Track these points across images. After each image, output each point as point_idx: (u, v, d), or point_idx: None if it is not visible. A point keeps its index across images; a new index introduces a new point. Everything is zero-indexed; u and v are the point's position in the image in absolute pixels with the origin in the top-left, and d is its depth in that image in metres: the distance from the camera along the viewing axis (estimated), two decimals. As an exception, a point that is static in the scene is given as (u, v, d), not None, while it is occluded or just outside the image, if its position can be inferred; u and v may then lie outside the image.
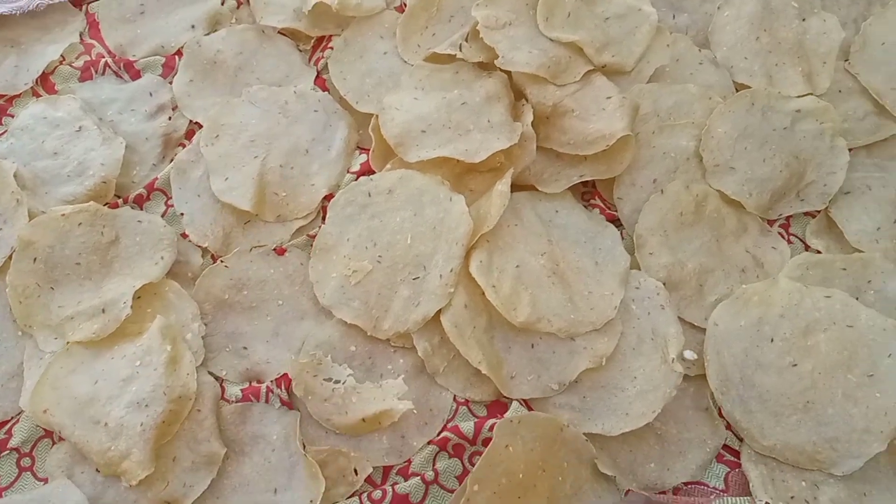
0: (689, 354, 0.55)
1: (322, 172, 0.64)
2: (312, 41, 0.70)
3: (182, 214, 0.62)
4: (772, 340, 0.54)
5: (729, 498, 0.50)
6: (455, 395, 0.56)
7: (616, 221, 0.62)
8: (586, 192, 0.64)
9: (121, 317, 0.55)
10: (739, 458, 0.53)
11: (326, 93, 0.67)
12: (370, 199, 0.60)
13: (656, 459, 0.53)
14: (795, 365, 0.53)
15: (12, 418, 0.55)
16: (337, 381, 0.56)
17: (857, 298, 0.55)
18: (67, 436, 0.52)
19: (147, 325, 0.56)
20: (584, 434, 0.53)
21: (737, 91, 0.66)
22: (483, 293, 0.55)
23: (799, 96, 0.64)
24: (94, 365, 0.54)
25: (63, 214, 0.58)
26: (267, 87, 0.67)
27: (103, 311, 0.55)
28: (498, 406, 0.56)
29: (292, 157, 0.64)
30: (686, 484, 0.53)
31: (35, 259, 0.57)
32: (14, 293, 0.56)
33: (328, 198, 0.63)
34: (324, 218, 0.62)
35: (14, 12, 0.70)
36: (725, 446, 0.54)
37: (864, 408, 0.51)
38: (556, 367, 0.55)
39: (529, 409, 0.55)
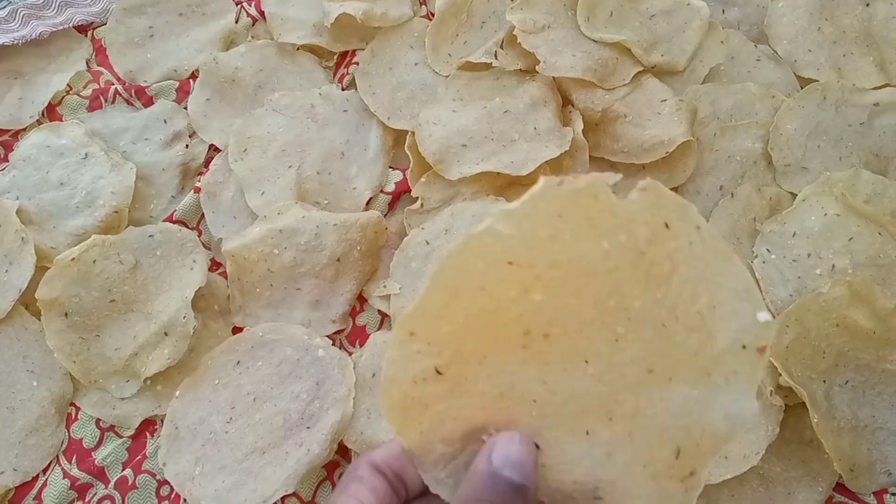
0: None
1: (362, 174, 0.59)
2: (336, 57, 0.65)
3: (220, 240, 0.56)
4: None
5: None
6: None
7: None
8: (644, 205, 0.58)
9: (189, 331, 0.51)
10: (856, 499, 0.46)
11: (353, 90, 0.62)
12: (430, 247, 0.54)
13: (763, 503, 0.47)
14: None
15: (36, 478, 0.50)
16: None
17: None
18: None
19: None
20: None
21: (801, 87, 0.60)
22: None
23: (875, 88, 0.58)
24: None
25: (72, 259, 0.53)
26: (290, 93, 0.61)
27: (166, 334, 0.51)
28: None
29: (328, 162, 0.59)
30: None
31: (66, 314, 0.52)
32: (63, 357, 0.52)
33: (370, 201, 0.59)
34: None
35: (16, 42, 0.64)
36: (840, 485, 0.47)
37: None
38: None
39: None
